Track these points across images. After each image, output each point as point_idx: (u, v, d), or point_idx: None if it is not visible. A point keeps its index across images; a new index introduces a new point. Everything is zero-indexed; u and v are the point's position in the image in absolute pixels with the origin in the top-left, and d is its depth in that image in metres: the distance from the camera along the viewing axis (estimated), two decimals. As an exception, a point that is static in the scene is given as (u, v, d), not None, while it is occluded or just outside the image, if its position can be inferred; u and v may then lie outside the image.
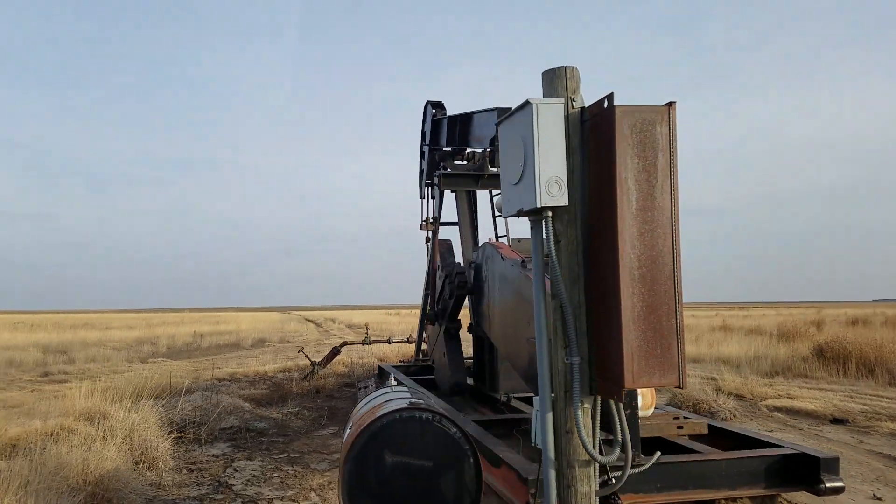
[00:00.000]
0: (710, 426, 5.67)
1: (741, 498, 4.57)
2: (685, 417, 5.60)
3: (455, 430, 2.90)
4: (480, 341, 7.05)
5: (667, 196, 2.37)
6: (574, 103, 2.49)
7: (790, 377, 11.62)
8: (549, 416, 2.52)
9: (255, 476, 5.11)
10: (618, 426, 2.62)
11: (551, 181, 2.38)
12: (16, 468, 4.40)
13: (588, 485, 2.47)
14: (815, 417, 7.89)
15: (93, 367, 13.50)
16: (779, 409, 8.49)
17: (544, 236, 2.50)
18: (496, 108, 7.79)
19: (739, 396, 9.54)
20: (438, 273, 7.46)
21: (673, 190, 2.38)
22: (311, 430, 6.94)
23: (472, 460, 2.89)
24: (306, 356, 10.31)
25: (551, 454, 2.51)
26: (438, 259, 7.39)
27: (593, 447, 2.51)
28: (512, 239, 6.78)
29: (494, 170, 7.60)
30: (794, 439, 6.66)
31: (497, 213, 9.12)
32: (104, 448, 4.80)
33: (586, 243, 2.53)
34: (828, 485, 4.38)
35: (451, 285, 7.43)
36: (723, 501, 4.53)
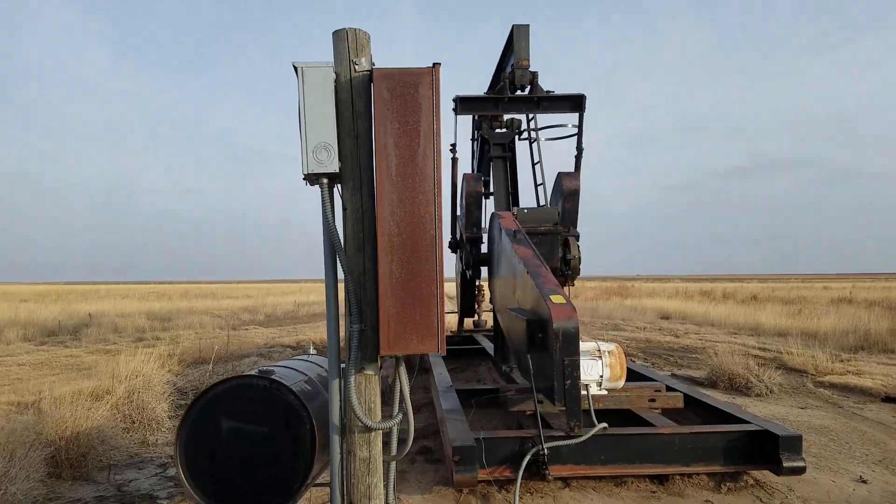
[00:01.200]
0: (692, 399, 5.34)
1: (699, 474, 4.30)
2: (670, 389, 5.32)
3: (293, 398, 2.93)
4: (495, 313, 7.03)
5: (430, 162, 2.26)
6: (357, 67, 2.41)
7: (876, 353, 10.56)
8: (335, 382, 2.49)
9: None
10: (397, 393, 2.54)
11: (319, 147, 2.33)
12: (16, 423, 4.94)
13: (367, 451, 2.43)
14: (868, 395, 7.16)
15: (183, 334, 14.65)
16: (833, 386, 7.78)
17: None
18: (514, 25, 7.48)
19: (800, 371, 8.84)
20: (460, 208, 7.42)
21: (436, 155, 2.26)
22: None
23: (308, 427, 2.92)
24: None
25: (335, 419, 2.49)
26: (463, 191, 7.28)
27: (366, 413, 2.45)
28: (518, 208, 6.60)
29: (520, 94, 7.30)
30: (823, 417, 6.12)
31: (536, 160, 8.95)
32: (100, 407, 5.25)
33: (373, 210, 2.46)
34: (786, 464, 4.03)
35: (468, 256, 7.38)
36: (679, 478, 4.27)
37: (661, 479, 4.31)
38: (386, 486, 2.55)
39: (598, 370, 4.75)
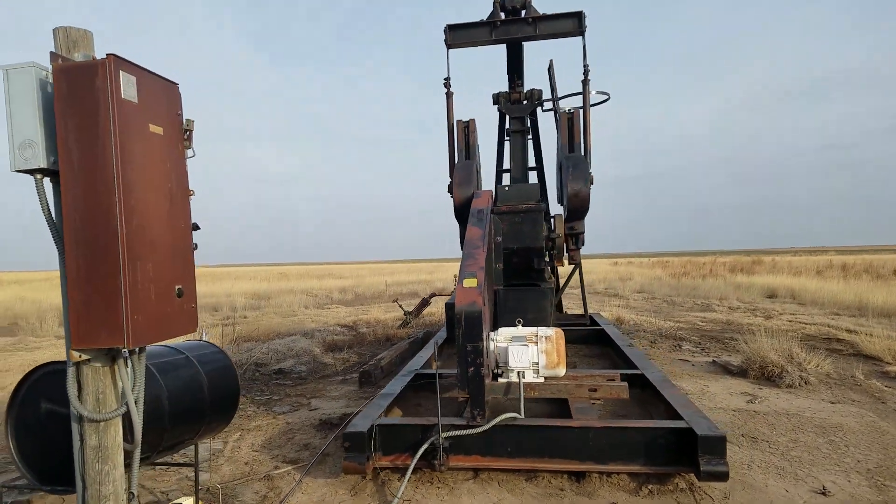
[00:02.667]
0: (652, 388, 4.84)
1: (618, 474, 3.90)
2: (627, 378, 4.89)
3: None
4: None
5: (108, 154, 2.20)
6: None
7: None
8: (70, 370, 2.47)
9: None
10: (119, 387, 2.47)
11: (24, 144, 2.32)
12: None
13: (97, 438, 2.40)
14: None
15: (268, 312, 15.48)
16: (896, 377, 6.80)
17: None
18: None
19: (874, 358, 7.82)
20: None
21: (115, 146, 2.19)
22: (334, 375, 7.30)
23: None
24: (400, 306, 10.70)
25: (74, 409, 2.47)
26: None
27: (83, 404, 2.41)
28: (501, 186, 6.32)
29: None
30: (848, 413, 5.36)
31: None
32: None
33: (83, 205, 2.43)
34: (704, 468, 3.56)
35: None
36: (597, 476, 3.90)
37: (578, 477, 3.95)
38: (127, 474, 2.53)
39: (530, 357, 4.45)
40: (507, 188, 6.26)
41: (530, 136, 8.29)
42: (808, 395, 6.06)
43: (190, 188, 2.49)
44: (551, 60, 9.14)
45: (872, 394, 6.13)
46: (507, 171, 8.43)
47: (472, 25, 6.89)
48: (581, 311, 9.15)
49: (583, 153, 6.77)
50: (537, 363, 4.47)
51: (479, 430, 3.86)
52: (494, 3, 6.88)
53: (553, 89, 9.03)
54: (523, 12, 6.99)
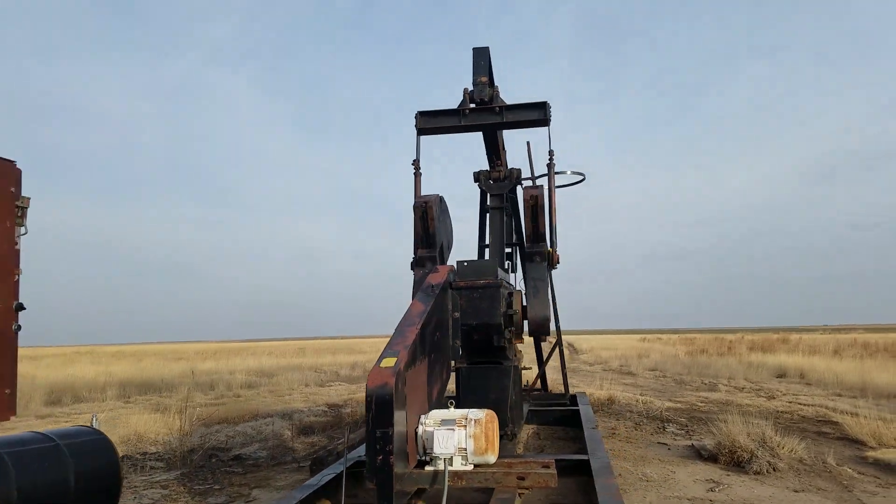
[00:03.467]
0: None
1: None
2: (567, 465, 4.76)
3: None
4: None
5: None
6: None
7: None
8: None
9: None
10: None
11: None
12: None
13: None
14: (907, 475, 5.90)
15: (262, 391, 15.42)
16: (876, 463, 6.52)
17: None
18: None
19: (856, 442, 7.54)
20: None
21: None
22: (293, 462, 7.16)
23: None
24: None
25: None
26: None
27: None
28: (459, 261, 6.37)
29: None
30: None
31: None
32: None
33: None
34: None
35: None
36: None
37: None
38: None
39: (456, 442, 4.36)
40: (465, 263, 6.33)
41: (510, 213, 8.46)
42: (773, 483, 5.83)
43: (18, 267, 2.56)
44: (528, 142, 9.40)
45: (840, 481, 5.87)
46: (487, 245, 8.56)
47: (442, 113, 7.16)
48: (566, 391, 9.01)
49: (548, 236, 6.84)
50: (465, 449, 4.39)
51: None
52: (464, 92, 7.17)
53: (531, 169, 9.24)
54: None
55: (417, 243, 6.64)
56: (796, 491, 5.56)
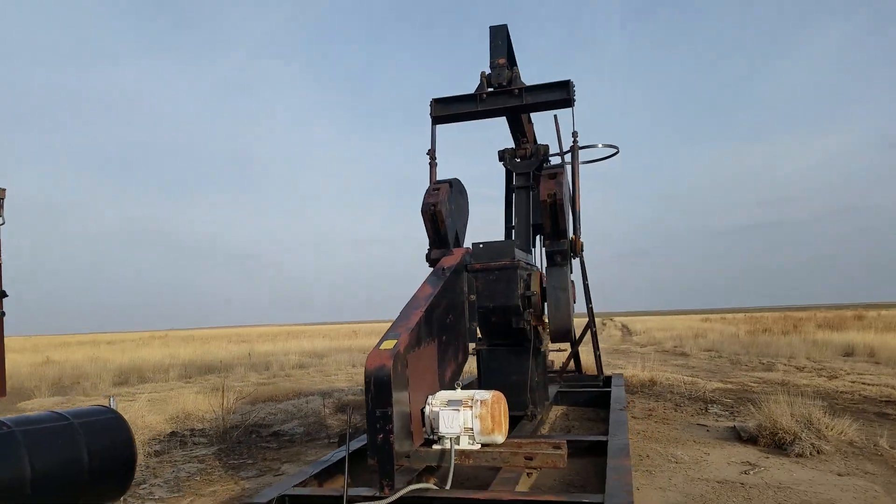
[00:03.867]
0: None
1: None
2: (585, 446, 4.61)
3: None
4: None
5: None
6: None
7: None
8: None
9: (175, 478, 5.64)
10: None
11: None
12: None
13: None
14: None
15: (311, 371, 15.72)
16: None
17: None
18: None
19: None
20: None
21: None
22: (326, 437, 7.25)
23: None
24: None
25: None
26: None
27: None
28: (475, 243, 6.24)
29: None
30: (850, 488, 4.83)
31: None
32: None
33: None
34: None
35: None
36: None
37: (494, 553, 3.72)
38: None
39: (461, 422, 4.28)
40: (480, 245, 6.19)
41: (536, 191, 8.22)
42: (815, 466, 5.51)
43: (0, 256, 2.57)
44: (556, 115, 9.11)
45: (892, 465, 5.50)
46: (513, 227, 8.35)
47: (458, 99, 6.88)
48: (599, 372, 8.79)
49: (570, 226, 6.58)
50: (471, 429, 4.30)
51: (383, 502, 3.71)
52: (482, 76, 6.90)
53: (559, 144, 8.96)
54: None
55: (431, 243, 6.43)
56: (840, 475, 5.24)
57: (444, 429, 4.27)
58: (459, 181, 6.67)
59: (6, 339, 12.61)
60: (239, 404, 9.36)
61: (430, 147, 6.90)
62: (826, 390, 10.27)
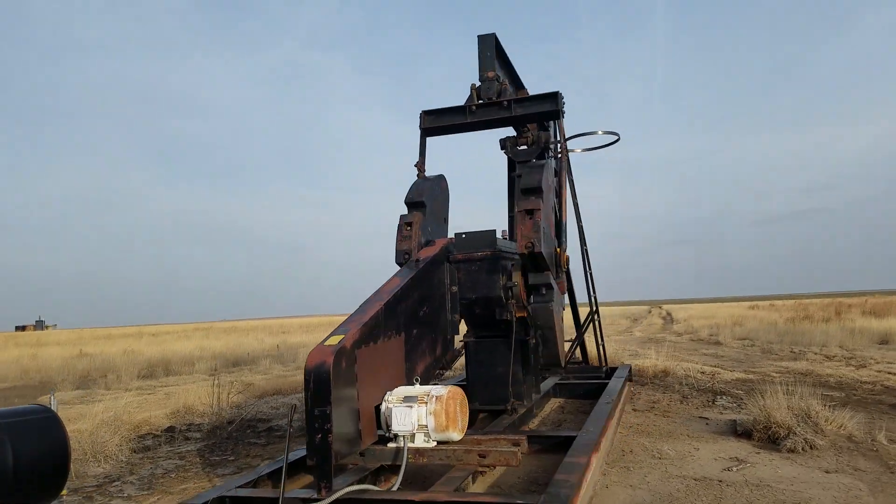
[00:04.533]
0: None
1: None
2: (532, 440, 4.51)
3: None
4: None
5: None
6: None
7: None
8: None
9: (150, 475, 5.65)
10: None
11: None
12: None
13: None
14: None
15: (276, 369, 15.88)
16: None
17: None
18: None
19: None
20: None
21: None
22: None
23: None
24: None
25: None
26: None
27: None
28: (456, 233, 6.16)
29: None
30: (834, 487, 4.62)
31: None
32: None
33: None
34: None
35: None
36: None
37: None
38: None
39: (414, 419, 4.24)
40: (462, 235, 6.10)
41: None
42: (804, 463, 5.29)
43: None
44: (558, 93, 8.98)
45: (886, 462, 5.25)
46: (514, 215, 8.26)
47: (448, 111, 6.84)
48: (601, 363, 8.62)
49: (556, 236, 6.42)
50: (426, 426, 4.25)
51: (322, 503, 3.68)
52: (472, 88, 6.83)
53: (560, 133, 8.81)
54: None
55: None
56: (827, 472, 5.02)
57: (396, 426, 4.24)
58: (440, 179, 6.60)
59: (52, 333, 12.98)
60: (243, 398, 9.48)
61: (418, 159, 6.83)
62: (848, 380, 9.88)
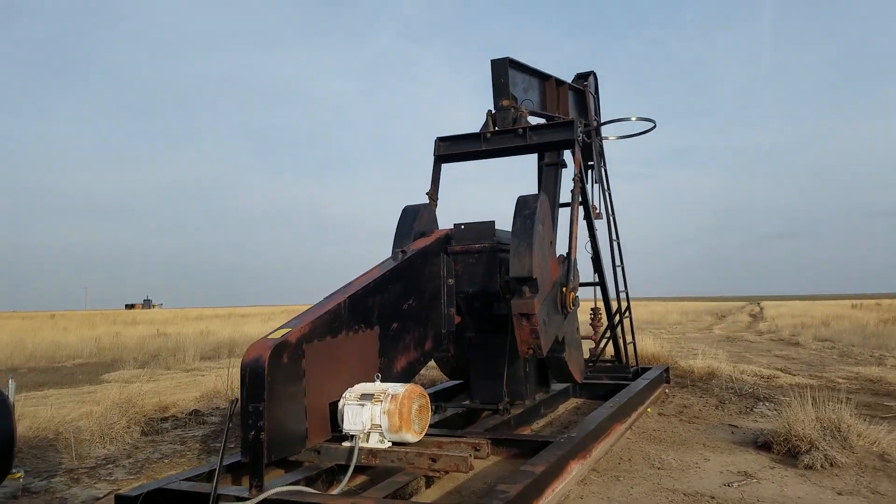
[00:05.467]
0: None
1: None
2: (478, 448, 4.26)
3: None
4: None
5: None
6: None
7: None
8: None
9: (146, 459, 5.62)
10: None
11: None
12: None
13: None
14: None
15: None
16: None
17: None
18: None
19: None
20: None
21: None
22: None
23: None
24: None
25: None
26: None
27: None
28: (456, 224, 5.96)
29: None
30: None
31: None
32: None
33: None
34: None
35: None
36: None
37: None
38: None
39: (366, 418, 4.10)
40: (462, 226, 5.90)
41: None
42: (817, 482, 4.78)
43: None
44: (593, 75, 8.64)
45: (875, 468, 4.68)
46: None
47: (462, 138, 6.67)
48: (627, 363, 8.19)
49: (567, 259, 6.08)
50: (380, 426, 4.10)
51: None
52: (488, 114, 6.61)
53: (593, 110, 8.46)
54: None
55: None
56: (839, 493, 4.52)
57: (348, 425, 4.11)
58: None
59: (152, 312, 13.59)
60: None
61: (430, 188, 6.64)
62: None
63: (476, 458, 4.11)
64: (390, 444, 4.13)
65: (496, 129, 6.51)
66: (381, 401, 4.11)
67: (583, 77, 8.55)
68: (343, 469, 4.24)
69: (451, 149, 6.70)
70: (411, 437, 4.11)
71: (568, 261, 5.89)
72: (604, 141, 8.66)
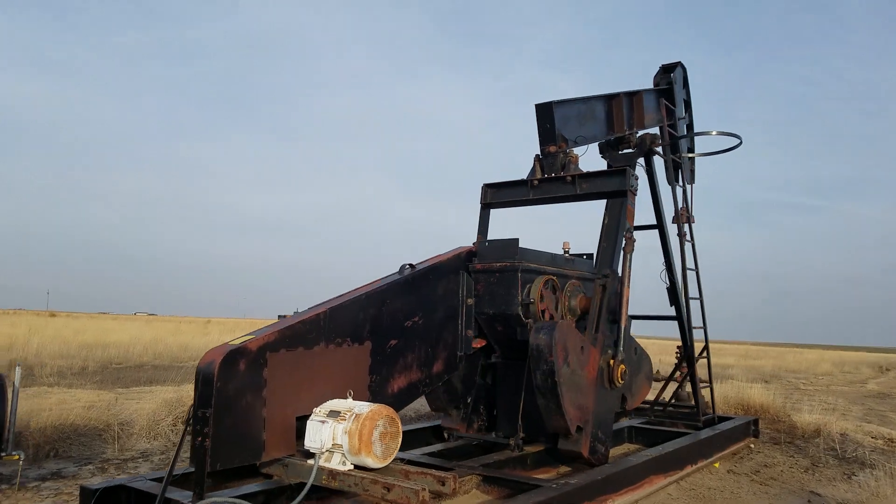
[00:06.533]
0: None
1: None
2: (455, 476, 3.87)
3: None
4: None
5: None
6: None
7: None
8: None
9: (161, 460, 5.96)
10: None
11: None
12: None
13: None
14: None
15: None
16: None
17: None
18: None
19: None
20: None
21: None
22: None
23: None
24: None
25: None
26: None
27: None
28: (480, 240, 5.65)
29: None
30: None
31: None
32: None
33: None
34: None
35: None
36: None
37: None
38: None
39: (326, 436, 3.90)
40: (486, 243, 5.58)
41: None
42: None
43: None
44: (679, 74, 7.97)
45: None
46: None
47: (509, 184, 6.38)
48: (699, 411, 7.31)
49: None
50: (341, 446, 3.88)
51: None
52: (535, 160, 6.30)
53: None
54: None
55: None
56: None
57: (308, 441, 3.93)
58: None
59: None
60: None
61: (477, 237, 6.35)
62: None
63: (440, 492, 3.76)
64: (352, 466, 3.89)
65: (544, 175, 6.16)
66: (346, 419, 3.89)
67: (669, 69, 7.90)
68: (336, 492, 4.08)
69: (498, 196, 6.41)
70: (371, 461, 3.84)
71: (618, 330, 5.43)
72: (685, 158, 7.93)
